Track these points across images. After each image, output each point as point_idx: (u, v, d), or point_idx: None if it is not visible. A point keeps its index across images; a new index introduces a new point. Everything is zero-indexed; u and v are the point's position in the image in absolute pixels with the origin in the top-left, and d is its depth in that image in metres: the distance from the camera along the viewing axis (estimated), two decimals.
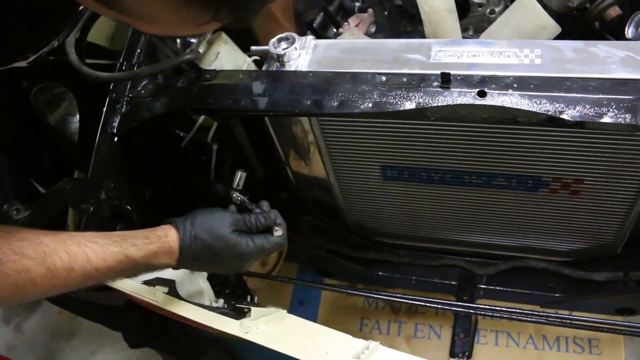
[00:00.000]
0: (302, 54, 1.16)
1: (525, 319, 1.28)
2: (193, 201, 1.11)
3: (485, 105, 0.95)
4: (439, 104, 0.97)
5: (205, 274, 1.18)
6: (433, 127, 1.14)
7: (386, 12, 1.43)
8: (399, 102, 1.00)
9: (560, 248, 1.40)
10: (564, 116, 0.91)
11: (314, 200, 1.47)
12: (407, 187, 1.33)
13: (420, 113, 0.98)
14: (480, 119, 0.99)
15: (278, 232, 1.04)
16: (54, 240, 0.81)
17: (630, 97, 0.91)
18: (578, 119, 0.91)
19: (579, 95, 0.93)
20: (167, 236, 0.96)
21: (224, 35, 1.27)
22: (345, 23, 1.56)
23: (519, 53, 1.05)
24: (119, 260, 0.88)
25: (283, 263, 1.71)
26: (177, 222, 0.99)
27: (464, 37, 1.36)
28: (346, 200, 1.43)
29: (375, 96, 1.02)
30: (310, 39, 1.18)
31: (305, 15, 1.55)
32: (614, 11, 1.20)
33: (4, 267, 0.74)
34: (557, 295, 1.41)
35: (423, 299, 1.19)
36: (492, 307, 1.19)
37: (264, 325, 1.03)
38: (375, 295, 1.26)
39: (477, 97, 0.96)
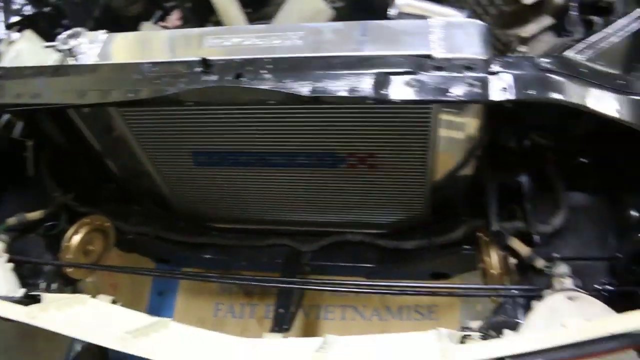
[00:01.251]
0: (92, 48, 1.19)
1: (345, 289, 1.36)
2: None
3: (236, 87, 1.00)
4: (192, 88, 1.02)
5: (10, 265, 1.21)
6: (231, 112, 1.20)
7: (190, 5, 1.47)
8: (164, 89, 1.04)
9: (377, 221, 1.48)
10: (303, 92, 0.97)
11: (141, 189, 1.50)
12: (220, 171, 1.37)
13: (177, 98, 1.02)
14: (244, 101, 1.05)
15: None
16: None
17: (369, 71, 0.99)
18: (314, 94, 0.97)
19: (323, 72, 1.00)
20: None
21: (28, 33, 1.28)
22: (168, 16, 1.59)
23: (283, 36, 1.11)
24: None
25: (139, 256, 1.72)
26: None
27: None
28: (170, 187, 1.47)
29: (144, 85, 1.06)
30: (100, 33, 1.22)
31: (128, 10, 1.58)
32: None
33: None
34: (375, 266, 1.48)
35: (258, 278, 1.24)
36: (310, 280, 1.25)
37: (56, 311, 1.05)
38: (200, 278, 1.31)
39: (234, 80, 1.02)
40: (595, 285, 1.09)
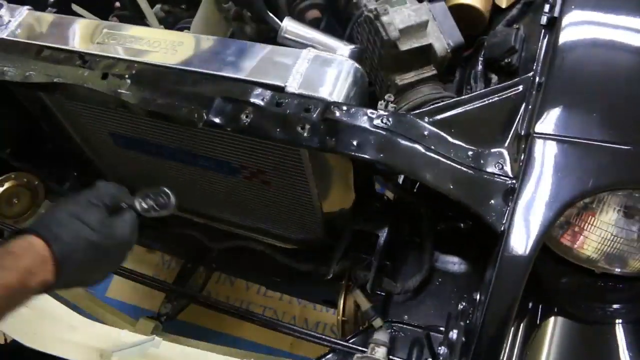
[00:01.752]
0: (11, 22, 1.25)
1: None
2: None
3: (90, 88, 1.02)
4: (58, 81, 1.05)
5: None
6: None
7: None
8: (40, 76, 1.08)
9: (281, 234, 1.47)
10: (141, 105, 0.98)
11: (75, 156, 1.57)
12: (137, 154, 1.41)
13: (45, 87, 1.06)
14: (99, 101, 1.07)
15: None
16: None
17: (214, 94, 0.97)
18: (151, 109, 0.97)
19: (173, 86, 1.00)
20: (31, 246, 0.78)
21: None
22: None
23: (167, 44, 1.11)
24: None
25: None
26: (38, 228, 0.80)
27: None
28: (99, 159, 1.53)
29: (31, 67, 1.10)
30: (24, 9, 1.27)
31: None
32: (312, 14, 1.24)
33: None
34: (274, 278, 1.48)
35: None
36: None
37: None
38: None
39: (99, 78, 1.04)
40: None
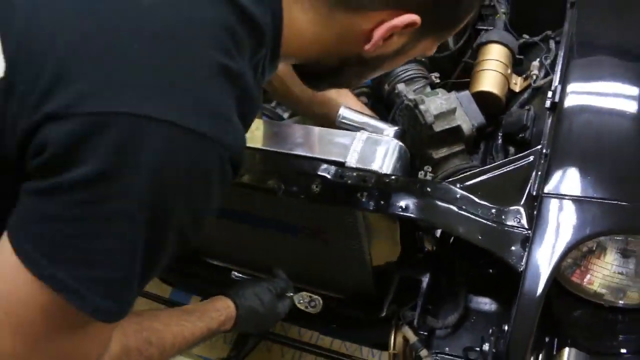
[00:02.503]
0: None
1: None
2: None
3: None
4: None
5: None
6: None
7: None
8: None
9: (334, 284, 1.70)
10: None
11: None
12: (225, 222, 1.66)
13: None
14: None
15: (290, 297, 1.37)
16: (163, 324, 0.99)
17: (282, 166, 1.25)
18: (243, 181, 1.25)
19: (259, 164, 1.28)
20: (229, 307, 1.19)
21: None
22: None
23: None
24: (203, 333, 1.09)
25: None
26: (231, 295, 1.22)
27: None
28: None
29: None
30: None
31: None
32: (361, 100, 1.53)
33: (141, 358, 0.90)
34: (327, 325, 1.70)
35: None
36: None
37: None
38: None
39: None
40: None
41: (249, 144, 1.32)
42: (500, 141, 1.37)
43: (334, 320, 1.72)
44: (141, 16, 0.69)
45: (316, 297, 1.40)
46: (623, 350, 1.22)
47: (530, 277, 1.06)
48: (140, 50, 0.67)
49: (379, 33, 0.82)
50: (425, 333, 1.36)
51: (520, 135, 1.31)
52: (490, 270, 1.37)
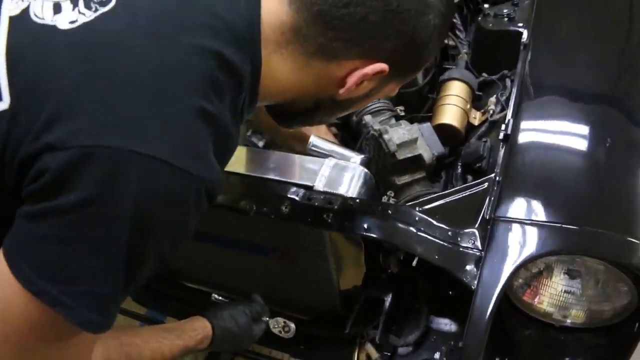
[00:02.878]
0: None
1: None
2: None
3: None
4: None
5: None
6: None
7: None
8: None
9: (303, 306, 1.76)
10: None
11: None
12: (197, 244, 1.71)
13: None
14: None
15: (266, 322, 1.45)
16: (142, 340, 1.07)
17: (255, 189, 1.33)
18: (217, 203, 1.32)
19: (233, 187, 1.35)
20: (206, 327, 1.26)
21: None
22: None
23: None
24: (180, 350, 1.17)
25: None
26: (209, 315, 1.29)
27: None
28: None
29: None
30: None
31: None
32: (331, 130, 1.62)
33: None
34: (295, 346, 1.75)
35: None
36: None
37: None
38: None
39: None
40: None
41: (225, 169, 1.42)
42: (459, 170, 1.47)
43: (303, 342, 1.78)
44: (133, 63, 0.79)
45: (290, 323, 1.47)
46: None
47: (481, 294, 1.14)
48: (130, 93, 0.77)
49: (352, 79, 0.93)
50: (389, 353, 1.43)
51: (478, 165, 1.41)
52: (450, 292, 1.45)
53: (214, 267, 1.80)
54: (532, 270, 1.22)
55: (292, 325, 1.46)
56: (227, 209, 1.34)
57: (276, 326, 1.47)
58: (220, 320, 1.30)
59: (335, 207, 1.26)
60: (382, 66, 0.91)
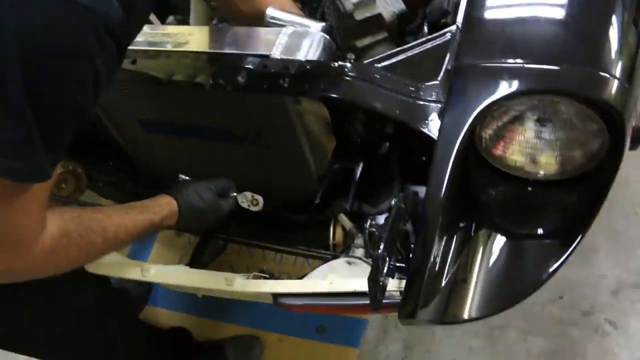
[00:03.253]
0: None
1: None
2: None
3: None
4: None
5: None
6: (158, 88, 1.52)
7: None
8: None
9: (282, 193, 1.74)
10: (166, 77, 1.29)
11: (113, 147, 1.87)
12: (160, 137, 1.70)
13: None
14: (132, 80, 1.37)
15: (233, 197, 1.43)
16: (105, 215, 1.09)
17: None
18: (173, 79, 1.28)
19: (190, 64, 1.31)
20: (170, 203, 1.27)
21: None
22: None
23: (183, 36, 1.41)
24: (145, 226, 1.18)
25: None
26: (173, 192, 1.30)
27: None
28: (131, 149, 1.83)
29: None
30: None
31: None
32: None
33: (82, 242, 0.99)
34: (279, 233, 1.74)
35: None
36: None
37: None
38: None
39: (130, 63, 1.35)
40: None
41: (182, 49, 1.38)
42: (426, 30, 1.39)
43: (282, 229, 1.77)
44: None
45: (258, 196, 1.45)
46: (540, 231, 1.24)
47: (442, 142, 1.09)
48: None
49: None
50: (363, 223, 1.40)
51: (443, 21, 1.33)
52: (424, 158, 1.41)
53: (186, 162, 1.78)
54: (501, 120, 1.17)
55: (260, 199, 1.43)
56: (183, 86, 1.30)
57: (244, 201, 1.45)
58: (184, 196, 1.29)
59: (292, 71, 1.20)
60: None
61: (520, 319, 2.03)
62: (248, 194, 1.46)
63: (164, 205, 1.26)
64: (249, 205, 1.46)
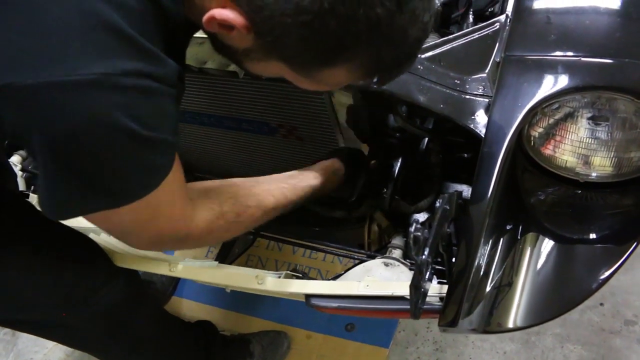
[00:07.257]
0: None
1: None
2: None
3: None
4: None
5: None
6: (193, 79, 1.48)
7: None
8: None
9: None
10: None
11: None
12: (196, 129, 1.67)
13: None
14: None
15: None
16: (262, 190, 1.10)
17: None
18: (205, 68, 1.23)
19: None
20: (333, 166, 1.28)
21: None
22: None
23: None
24: (306, 191, 1.18)
25: None
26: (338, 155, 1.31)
27: None
28: None
29: None
30: None
31: None
32: None
33: (239, 219, 1.03)
34: (311, 229, 1.69)
35: None
36: None
37: None
38: None
39: None
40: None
41: None
42: (471, 20, 1.32)
43: (318, 225, 1.71)
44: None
45: None
46: (591, 236, 1.16)
47: (490, 140, 1.03)
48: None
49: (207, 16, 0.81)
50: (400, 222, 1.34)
51: (490, 10, 1.26)
52: (466, 155, 1.34)
53: (221, 155, 1.74)
54: (553, 117, 1.09)
55: None
56: (215, 75, 1.25)
57: None
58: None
59: None
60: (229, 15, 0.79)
61: (557, 324, 1.95)
62: None
63: (326, 169, 1.25)
64: None
